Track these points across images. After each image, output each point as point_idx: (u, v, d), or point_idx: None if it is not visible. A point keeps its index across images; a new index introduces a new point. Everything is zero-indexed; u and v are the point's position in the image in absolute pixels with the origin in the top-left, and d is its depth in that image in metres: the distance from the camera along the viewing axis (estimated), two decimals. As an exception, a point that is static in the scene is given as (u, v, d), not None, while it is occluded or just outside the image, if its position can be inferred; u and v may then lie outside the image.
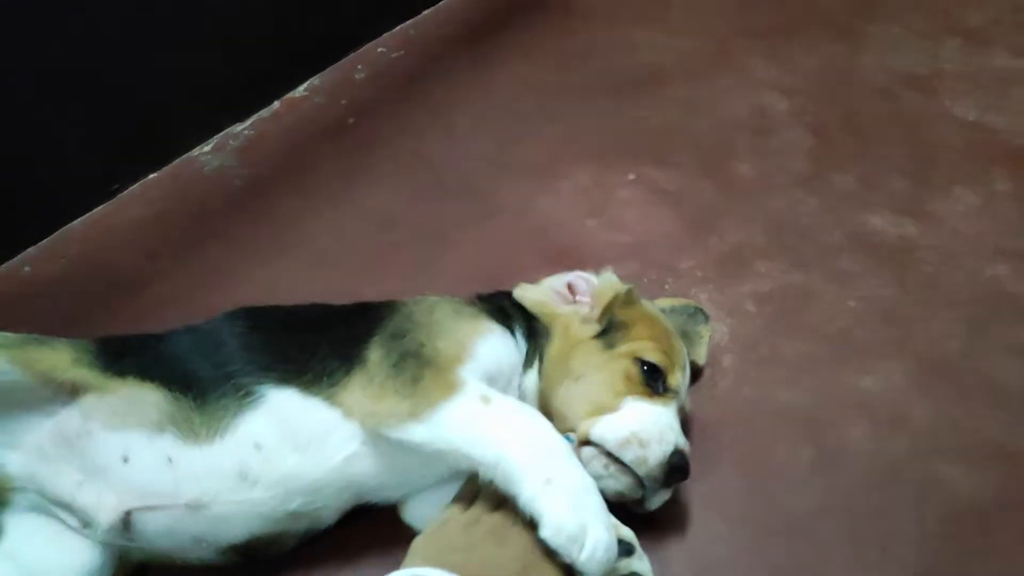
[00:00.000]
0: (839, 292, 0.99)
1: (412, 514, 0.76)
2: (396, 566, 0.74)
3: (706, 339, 0.89)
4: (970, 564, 0.75)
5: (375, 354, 0.72)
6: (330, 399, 0.71)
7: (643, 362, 0.75)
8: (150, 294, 1.00)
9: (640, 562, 0.68)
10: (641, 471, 0.70)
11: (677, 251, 1.04)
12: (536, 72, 1.36)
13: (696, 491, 0.75)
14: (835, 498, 0.79)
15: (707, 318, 0.91)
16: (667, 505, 0.74)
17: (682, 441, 0.73)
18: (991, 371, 0.91)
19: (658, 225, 1.08)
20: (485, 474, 0.65)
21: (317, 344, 0.73)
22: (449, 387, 0.68)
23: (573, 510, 0.61)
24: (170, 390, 0.70)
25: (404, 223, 1.10)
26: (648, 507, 0.73)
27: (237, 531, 0.69)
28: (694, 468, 0.79)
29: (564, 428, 0.72)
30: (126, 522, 0.67)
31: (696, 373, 0.88)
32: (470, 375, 0.69)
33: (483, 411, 0.67)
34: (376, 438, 0.70)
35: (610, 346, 0.77)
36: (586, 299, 0.82)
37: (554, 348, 0.79)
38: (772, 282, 1.00)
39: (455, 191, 1.14)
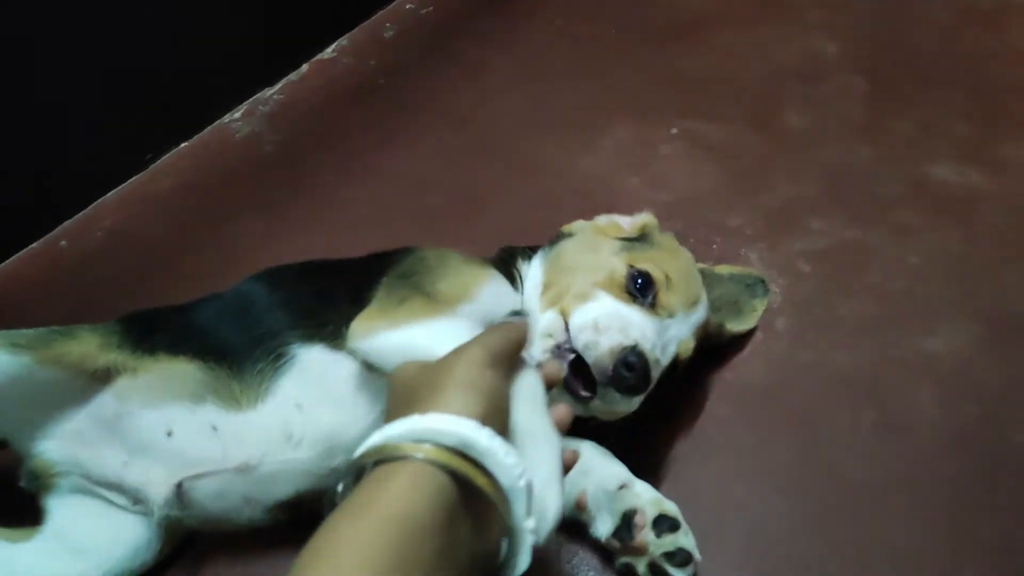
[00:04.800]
0: (899, 248, 0.94)
1: None
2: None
3: (759, 312, 0.86)
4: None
5: (381, 292, 0.70)
6: None
7: (637, 271, 0.71)
8: (185, 265, 0.98)
9: (686, 537, 0.65)
10: (590, 356, 0.66)
11: (725, 208, 0.99)
12: (570, 23, 1.30)
13: (751, 462, 0.72)
14: (900, 469, 0.75)
15: (767, 291, 0.87)
16: (719, 477, 0.71)
17: (649, 347, 0.66)
18: (1065, 328, 0.85)
19: (704, 181, 1.03)
20: None
21: (334, 292, 0.72)
22: (440, 311, 0.66)
23: None
24: (204, 361, 0.69)
25: (439, 186, 1.06)
26: (594, 411, 0.69)
27: (284, 489, 0.68)
28: (748, 438, 0.75)
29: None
30: (178, 493, 0.67)
31: (744, 337, 0.85)
32: (467, 316, 0.67)
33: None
34: (353, 357, 0.67)
35: (622, 250, 0.75)
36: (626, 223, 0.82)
37: (576, 240, 0.78)
38: (827, 239, 0.95)
39: (490, 151, 1.10)
